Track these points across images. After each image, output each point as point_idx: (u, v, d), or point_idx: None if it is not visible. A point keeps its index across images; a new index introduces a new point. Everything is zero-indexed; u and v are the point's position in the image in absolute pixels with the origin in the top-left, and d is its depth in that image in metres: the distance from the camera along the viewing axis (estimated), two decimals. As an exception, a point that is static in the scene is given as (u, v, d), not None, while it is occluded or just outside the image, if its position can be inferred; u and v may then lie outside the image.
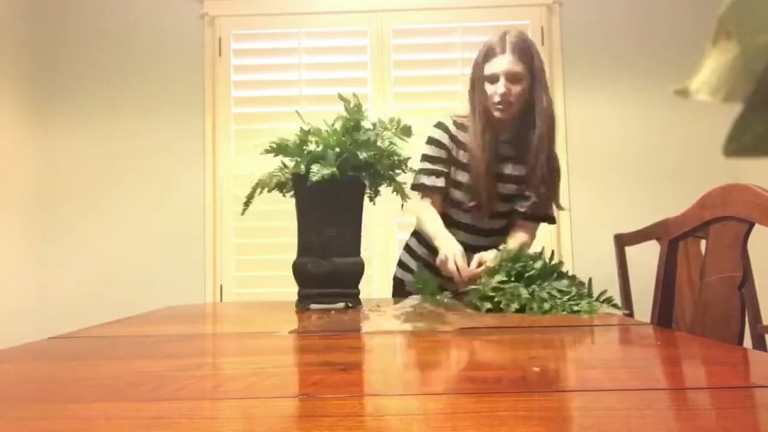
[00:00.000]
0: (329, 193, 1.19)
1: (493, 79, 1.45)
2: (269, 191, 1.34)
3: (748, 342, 1.60)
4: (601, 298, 1.13)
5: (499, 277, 1.18)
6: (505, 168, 1.52)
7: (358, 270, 1.31)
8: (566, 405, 0.48)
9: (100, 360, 0.74)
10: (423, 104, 2.59)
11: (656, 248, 1.40)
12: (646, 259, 1.70)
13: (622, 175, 2.65)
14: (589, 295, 1.14)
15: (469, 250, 1.43)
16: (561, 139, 2.62)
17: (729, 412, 0.45)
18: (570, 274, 1.22)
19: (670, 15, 2.69)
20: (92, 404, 0.50)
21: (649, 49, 2.67)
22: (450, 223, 1.53)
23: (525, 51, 1.46)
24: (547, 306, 1.09)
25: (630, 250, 2.09)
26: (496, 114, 1.46)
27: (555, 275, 1.18)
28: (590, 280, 1.16)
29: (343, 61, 2.66)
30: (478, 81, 1.51)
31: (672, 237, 1.23)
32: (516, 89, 1.45)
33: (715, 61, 0.21)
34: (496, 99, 1.45)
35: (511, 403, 0.48)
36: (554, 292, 1.12)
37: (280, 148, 1.27)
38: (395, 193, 1.36)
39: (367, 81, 2.62)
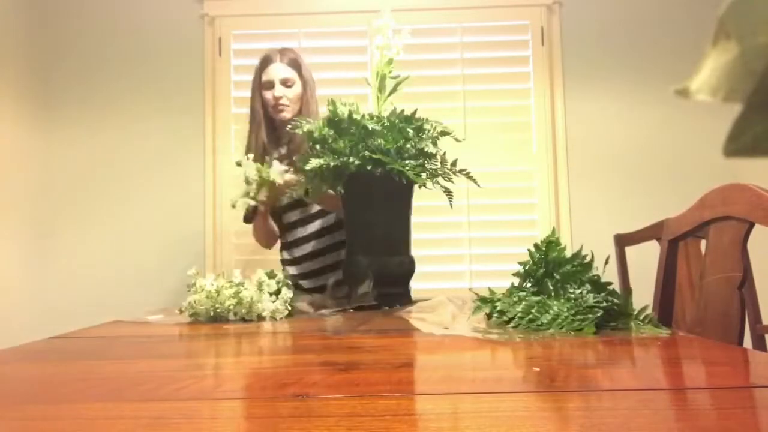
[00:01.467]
0: (377, 191, 1.17)
1: (269, 85, 1.71)
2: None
3: (746, 342, 1.60)
4: (641, 316, 0.94)
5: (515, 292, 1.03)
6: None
7: (407, 269, 1.30)
8: (566, 405, 0.48)
9: (100, 360, 0.74)
10: (423, 104, 2.58)
11: (656, 248, 1.40)
12: (646, 259, 1.70)
13: (622, 175, 2.65)
14: (628, 312, 0.95)
15: (312, 239, 1.70)
16: (561, 139, 2.63)
17: (729, 412, 0.45)
18: (602, 279, 1.01)
19: (670, 15, 2.69)
20: (92, 404, 0.50)
21: (649, 50, 2.67)
22: (292, 226, 1.75)
23: (294, 61, 1.73)
24: (545, 319, 0.91)
25: (630, 250, 2.09)
26: (279, 116, 1.68)
27: (580, 281, 0.99)
28: (630, 291, 0.99)
29: (343, 61, 2.66)
30: (256, 90, 1.75)
31: (672, 237, 1.23)
32: (290, 93, 1.70)
33: (715, 61, 0.21)
34: (272, 102, 1.69)
35: (511, 403, 0.48)
36: (558, 307, 0.93)
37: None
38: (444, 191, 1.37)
39: (367, 81, 2.62)
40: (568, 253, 1.07)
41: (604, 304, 0.92)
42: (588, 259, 1.04)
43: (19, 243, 2.60)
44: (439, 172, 1.32)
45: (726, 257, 1.04)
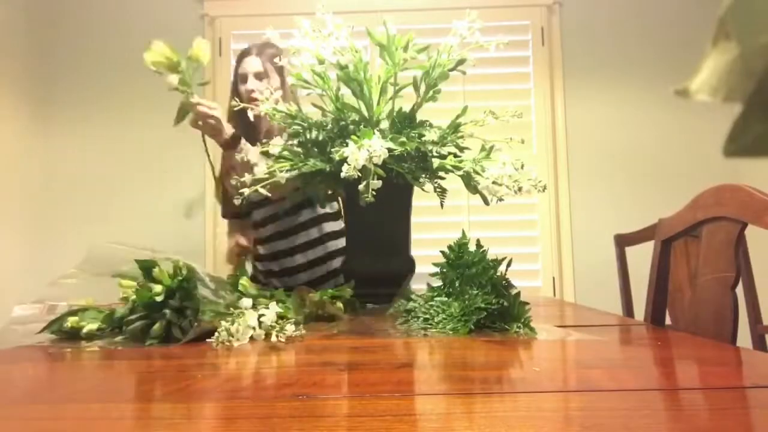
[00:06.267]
0: (377, 191, 1.15)
1: (243, 78, 1.63)
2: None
3: (747, 342, 1.60)
4: (522, 318, 0.91)
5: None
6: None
7: (407, 269, 1.30)
8: (566, 405, 0.48)
9: (100, 360, 0.74)
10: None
11: (656, 248, 1.40)
12: (646, 259, 1.70)
13: (622, 175, 2.65)
14: (517, 314, 0.91)
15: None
16: (561, 139, 2.63)
17: (729, 413, 0.45)
18: (503, 280, 0.96)
19: (670, 15, 2.69)
20: (92, 404, 0.50)
21: (649, 50, 2.67)
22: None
23: (272, 56, 1.63)
24: (438, 318, 0.90)
25: (630, 250, 2.09)
26: (252, 112, 1.49)
27: (479, 284, 0.96)
28: (519, 293, 0.94)
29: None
30: (234, 85, 1.67)
31: (665, 237, 1.23)
32: (263, 86, 1.58)
33: (715, 62, 0.21)
34: (246, 96, 1.60)
35: (511, 403, 0.48)
36: (455, 308, 0.92)
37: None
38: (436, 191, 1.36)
39: (367, 81, 2.62)
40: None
41: (494, 306, 0.91)
42: (495, 262, 1.00)
43: (19, 242, 2.60)
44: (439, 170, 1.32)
45: (719, 257, 1.04)
